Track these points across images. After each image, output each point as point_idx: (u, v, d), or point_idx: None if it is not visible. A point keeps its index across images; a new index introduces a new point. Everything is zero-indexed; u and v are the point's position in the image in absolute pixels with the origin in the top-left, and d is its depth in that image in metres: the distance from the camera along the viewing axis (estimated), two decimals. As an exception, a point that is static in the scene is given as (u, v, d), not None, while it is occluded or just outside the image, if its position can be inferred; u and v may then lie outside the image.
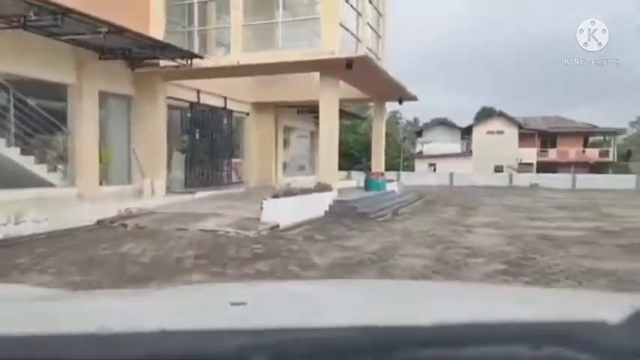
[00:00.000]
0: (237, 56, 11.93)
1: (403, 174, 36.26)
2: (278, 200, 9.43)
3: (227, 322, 0.76)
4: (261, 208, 9.16)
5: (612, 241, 8.27)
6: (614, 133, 40.08)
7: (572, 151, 38.96)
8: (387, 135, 43.33)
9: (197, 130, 14.47)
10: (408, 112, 74.13)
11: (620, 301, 0.98)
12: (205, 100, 14.61)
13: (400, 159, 38.96)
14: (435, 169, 40.13)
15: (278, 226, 8.91)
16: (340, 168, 13.84)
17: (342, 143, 13.94)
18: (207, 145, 14.86)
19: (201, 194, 12.75)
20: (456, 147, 43.74)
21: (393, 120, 62.70)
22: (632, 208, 15.48)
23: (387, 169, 37.81)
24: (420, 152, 44.79)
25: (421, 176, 36.36)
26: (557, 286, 5.20)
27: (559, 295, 1.36)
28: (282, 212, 9.24)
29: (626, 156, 39.25)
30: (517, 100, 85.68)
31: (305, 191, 10.70)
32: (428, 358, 0.59)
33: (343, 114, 19.86)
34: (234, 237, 7.92)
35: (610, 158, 38.29)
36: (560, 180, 32.68)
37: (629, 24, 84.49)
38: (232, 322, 0.75)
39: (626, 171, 35.79)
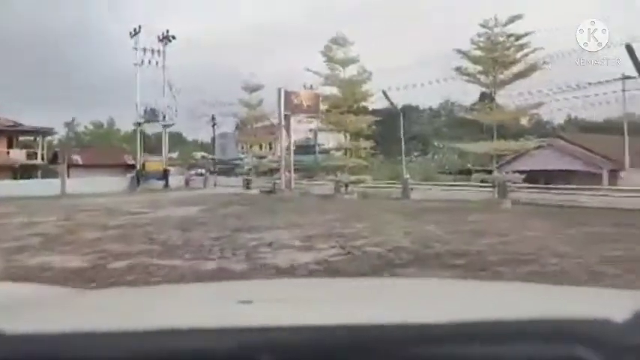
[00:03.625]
0: None
1: None
2: None
3: (234, 320, 0.73)
4: None
5: None
6: (43, 133, 35.41)
7: (-7, 153, 31.38)
8: None
9: None
10: None
11: (625, 299, 0.97)
12: None
13: None
14: None
15: None
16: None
17: None
18: None
19: None
20: None
21: None
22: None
23: None
24: None
25: None
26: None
27: (563, 292, 1.25)
28: None
29: (52, 159, 35.30)
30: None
31: None
32: (435, 356, 0.58)
33: None
34: None
35: (39, 160, 33.35)
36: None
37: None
38: (239, 320, 0.72)
39: (54, 174, 31.77)
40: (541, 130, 40.23)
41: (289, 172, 22.74)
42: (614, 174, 24.11)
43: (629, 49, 11.60)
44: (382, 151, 30.79)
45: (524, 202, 14.88)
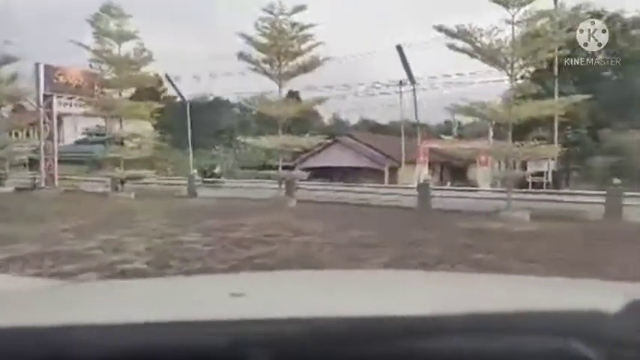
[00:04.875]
0: None
1: None
2: None
3: (226, 313, 0.69)
4: None
5: None
6: None
7: None
8: None
9: None
10: None
11: (617, 291, 0.95)
12: None
13: None
14: None
15: None
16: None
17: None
18: None
19: None
20: None
21: None
22: None
23: None
24: None
25: None
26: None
27: (556, 284, 1.16)
28: None
29: None
30: None
31: None
32: (426, 348, 0.57)
33: None
34: None
35: None
36: None
37: None
38: (231, 313, 0.68)
39: None
40: (339, 128, 42.77)
41: (52, 164, 18.36)
42: (394, 171, 26.28)
43: (400, 50, 11.70)
44: (191, 143, 28.61)
45: (309, 200, 14.29)
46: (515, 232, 9.10)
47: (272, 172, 14.34)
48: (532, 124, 15.82)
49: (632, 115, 24.02)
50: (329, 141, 20.33)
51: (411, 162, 23.52)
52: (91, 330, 0.59)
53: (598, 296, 0.89)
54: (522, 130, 14.27)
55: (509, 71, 10.26)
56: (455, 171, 28.88)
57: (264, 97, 13.43)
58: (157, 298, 0.93)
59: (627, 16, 23.84)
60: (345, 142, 30.34)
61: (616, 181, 11.17)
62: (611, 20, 24.21)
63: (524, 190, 13.99)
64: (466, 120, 28.56)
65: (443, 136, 32.69)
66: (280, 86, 13.34)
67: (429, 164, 26.19)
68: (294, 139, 13.50)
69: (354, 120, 47.74)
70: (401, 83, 21.72)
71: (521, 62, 10.39)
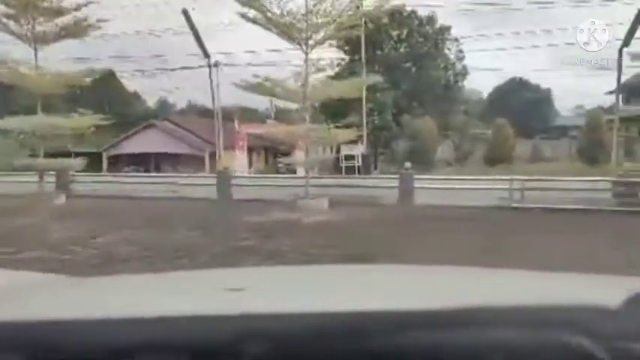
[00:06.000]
0: None
1: None
2: None
3: (224, 308, 0.68)
4: None
5: None
6: None
7: None
8: None
9: None
10: None
11: (617, 285, 0.91)
12: None
13: None
14: None
15: None
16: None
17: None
18: None
19: None
20: None
21: None
22: None
23: None
24: None
25: None
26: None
27: (556, 279, 1.13)
28: None
29: None
30: None
31: None
32: (425, 341, 0.56)
33: None
34: None
35: None
36: None
37: None
38: (229, 308, 0.67)
39: None
40: (164, 111, 38.87)
41: None
42: (215, 157, 24.34)
43: (186, 15, 9.82)
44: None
45: (88, 195, 11.57)
46: (309, 222, 8.21)
47: (38, 161, 11.09)
48: (345, 108, 15.67)
49: (427, 103, 26.57)
50: (104, 122, 15.93)
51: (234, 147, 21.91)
52: (87, 324, 0.58)
53: (599, 290, 0.87)
54: (338, 116, 13.90)
55: (304, 48, 9.28)
56: (281, 156, 28.33)
57: (10, 66, 10.07)
58: (154, 293, 0.89)
59: (423, 13, 25.92)
60: (162, 127, 27.24)
61: (407, 164, 11.27)
62: (410, 17, 26.21)
63: (329, 175, 13.55)
64: (292, 106, 28.09)
65: (268, 121, 31.88)
66: (36, 51, 10.18)
67: (252, 149, 24.98)
68: (57, 121, 10.51)
69: (181, 103, 44.24)
70: (217, 65, 19.76)
71: (317, 38, 9.49)
